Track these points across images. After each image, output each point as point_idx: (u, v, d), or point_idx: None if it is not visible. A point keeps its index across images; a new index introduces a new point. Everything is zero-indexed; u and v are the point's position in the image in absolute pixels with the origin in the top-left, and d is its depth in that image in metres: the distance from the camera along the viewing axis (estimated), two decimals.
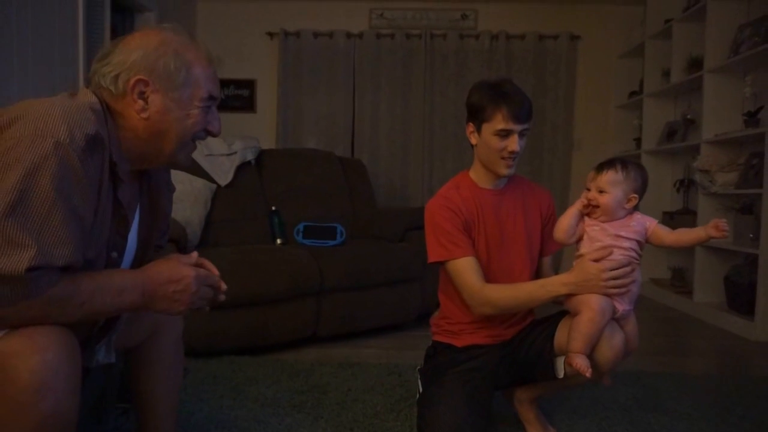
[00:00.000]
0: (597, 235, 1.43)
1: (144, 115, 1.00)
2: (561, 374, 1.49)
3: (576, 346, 1.36)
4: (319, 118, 4.53)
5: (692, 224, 3.43)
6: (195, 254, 1.08)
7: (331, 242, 2.77)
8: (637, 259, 1.42)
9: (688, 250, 3.58)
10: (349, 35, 4.52)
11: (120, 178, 1.00)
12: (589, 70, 4.58)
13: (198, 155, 2.94)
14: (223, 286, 1.09)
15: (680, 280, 3.75)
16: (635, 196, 1.43)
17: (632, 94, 4.40)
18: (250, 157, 3.09)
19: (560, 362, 1.50)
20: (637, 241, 1.42)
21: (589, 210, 1.44)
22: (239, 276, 2.31)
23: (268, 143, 4.44)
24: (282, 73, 4.51)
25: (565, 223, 1.45)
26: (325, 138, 4.52)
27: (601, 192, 1.42)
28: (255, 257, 2.45)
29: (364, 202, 3.41)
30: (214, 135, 1.10)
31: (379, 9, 4.59)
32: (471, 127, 1.56)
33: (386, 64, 4.51)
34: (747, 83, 3.09)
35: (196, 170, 2.85)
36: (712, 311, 3.18)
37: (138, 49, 1.00)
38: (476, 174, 1.61)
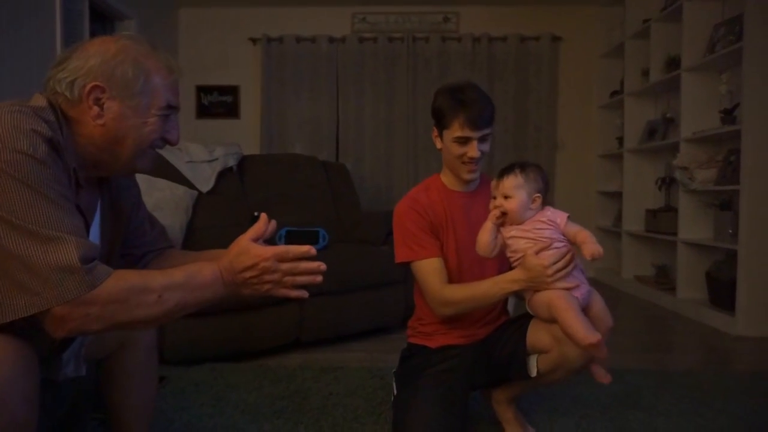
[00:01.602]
0: (518, 234, 1.44)
1: (100, 121, 1.00)
2: (534, 373, 1.50)
3: (581, 338, 1.29)
4: (303, 122, 4.54)
5: (674, 221, 3.46)
6: (262, 222, 1.02)
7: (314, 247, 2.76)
8: (564, 243, 1.42)
9: (671, 247, 3.62)
10: (331, 40, 4.53)
11: (80, 183, 1.00)
12: (571, 70, 4.62)
13: (179, 162, 2.93)
14: (321, 266, 1.00)
15: (664, 277, 3.78)
16: (539, 195, 1.45)
17: (614, 93, 4.44)
18: (231, 163, 3.08)
19: (533, 361, 1.51)
20: (554, 228, 1.43)
21: (502, 219, 1.45)
22: None
23: (253, 149, 4.44)
24: (265, 79, 4.51)
25: (484, 238, 1.46)
26: (309, 143, 4.52)
27: (506, 197, 1.44)
28: None
29: (348, 206, 3.41)
30: (171, 144, 1.09)
31: (361, 13, 4.60)
32: (435, 132, 1.60)
33: (369, 68, 4.53)
34: (723, 81, 3.12)
35: (176, 177, 2.84)
36: (694, 307, 3.21)
37: (96, 55, 0.99)
38: (446, 176, 1.64)
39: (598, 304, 1.44)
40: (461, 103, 1.50)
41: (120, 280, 0.91)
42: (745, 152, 2.83)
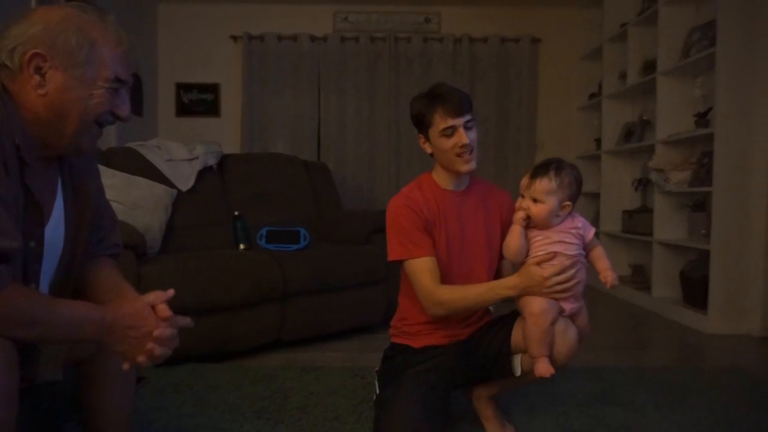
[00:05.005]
0: (542, 243, 1.43)
1: (41, 91, 0.96)
2: (518, 372, 1.53)
3: (533, 351, 1.39)
4: (284, 121, 4.52)
5: (650, 222, 3.53)
6: (170, 293, 1.06)
7: (295, 246, 2.76)
8: (582, 260, 1.44)
9: (647, 247, 3.69)
10: (313, 39, 4.52)
11: (26, 161, 0.97)
12: (551, 72, 4.68)
13: (158, 160, 2.89)
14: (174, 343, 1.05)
15: (640, 276, 3.85)
16: (569, 203, 1.42)
17: (592, 95, 4.51)
18: (211, 161, 3.05)
19: (517, 360, 1.53)
20: (580, 242, 1.45)
21: (527, 222, 1.43)
22: (200, 282, 2.28)
23: (233, 148, 4.40)
24: (246, 77, 4.48)
25: (514, 243, 1.44)
26: (291, 142, 4.50)
27: (534, 201, 1.41)
28: (216, 263, 2.42)
29: (329, 206, 3.40)
30: (122, 119, 1.06)
31: (343, 12, 4.60)
32: (422, 139, 1.60)
33: (351, 68, 4.53)
34: (697, 85, 3.20)
35: (156, 175, 2.80)
36: (669, 306, 3.28)
37: (38, 23, 0.96)
38: (438, 176, 1.63)
39: (584, 319, 1.48)
40: (436, 97, 1.53)
41: (9, 297, 0.88)
42: (717, 155, 2.90)
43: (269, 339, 2.51)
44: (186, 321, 1.06)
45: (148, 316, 1.01)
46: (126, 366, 1.04)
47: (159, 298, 1.04)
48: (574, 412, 1.82)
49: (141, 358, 1.01)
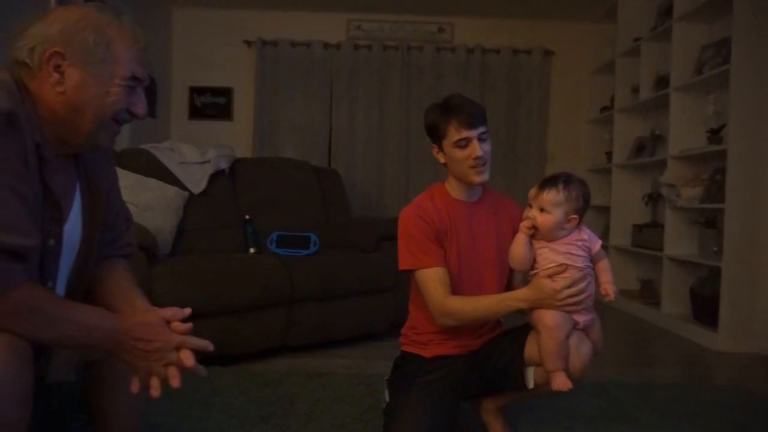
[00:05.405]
0: (548, 255, 1.44)
1: (60, 89, 0.98)
2: (531, 384, 1.52)
3: (549, 365, 1.39)
4: (295, 127, 4.54)
5: (660, 237, 3.51)
6: (187, 311, 1.07)
7: (304, 251, 2.77)
8: (591, 273, 1.45)
9: (656, 262, 3.67)
10: (326, 46, 4.55)
11: (46, 158, 0.98)
12: (563, 84, 4.69)
13: (171, 163, 2.92)
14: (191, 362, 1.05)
15: (649, 292, 3.83)
16: (575, 217, 1.43)
17: (604, 109, 4.50)
18: (223, 165, 3.07)
19: (530, 373, 1.52)
20: (587, 255, 1.46)
21: (533, 231, 1.45)
22: (209, 284, 2.29)
23: (245, 152, 4.43)
24: (259, 82, 4.52)
25: (519, 252, 1.46)
26: (301, 147, 4.53)
27: (541, 211, 1.43)
28: (226, 266, 2.43)
29: (339, 212, 3.41)
30: (139, 117, 1.07)
31: (356, 20, 4.63)
32: (435, 149, 1.61)
33: (363, 75, 4.55)
34: (710, 101, 3.19)
35: (168, 178, 2.82)
36: (678, 322, 3.25)
37: (56, 22, 0.98)
38: (450, 186, 1.64)
39: (597, 332, 1.49)
40: (450, 108, 1.53)
41: (23, 297, 0.89)
42: (730, 172, 2.89)
43: (275, 343, 2.51)
44: (204, 344, 1.06)
45: (161, 331, 1.02)
46: (134, 388, 1.04)
47: (176, 315, 1.05)
48: (581, 427, 1.81)
49: (154, 389, 1.02)
